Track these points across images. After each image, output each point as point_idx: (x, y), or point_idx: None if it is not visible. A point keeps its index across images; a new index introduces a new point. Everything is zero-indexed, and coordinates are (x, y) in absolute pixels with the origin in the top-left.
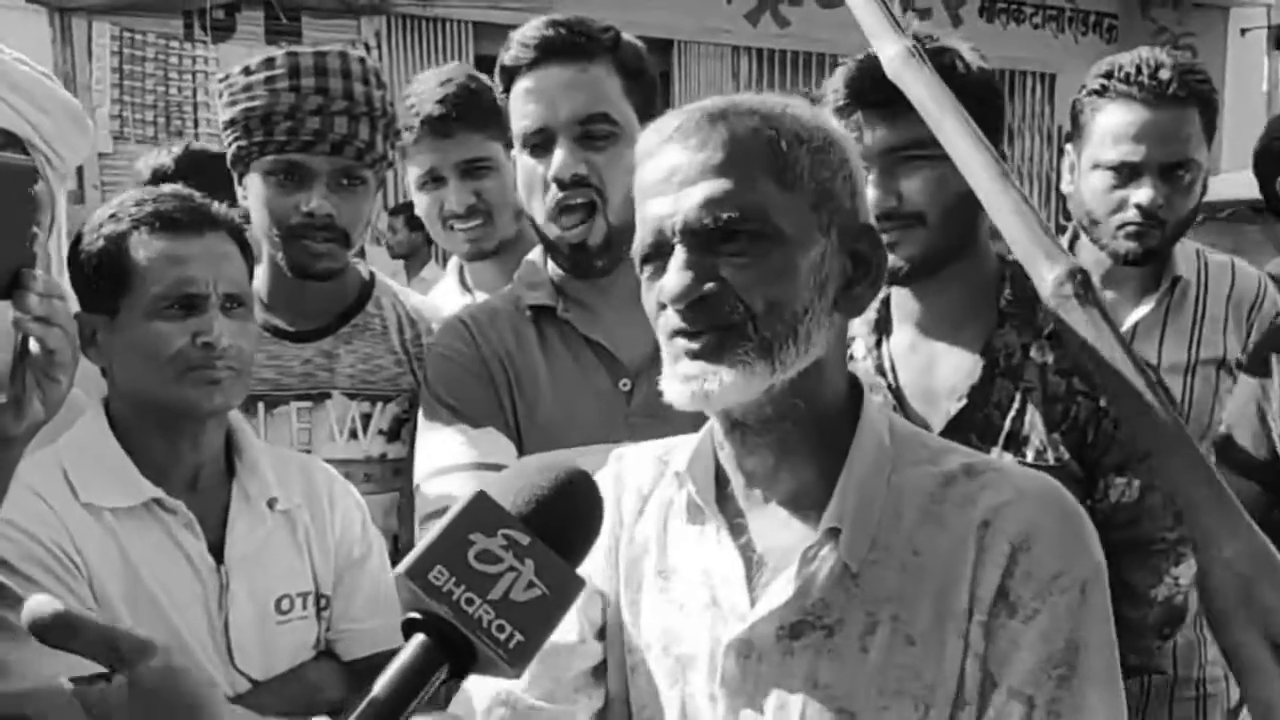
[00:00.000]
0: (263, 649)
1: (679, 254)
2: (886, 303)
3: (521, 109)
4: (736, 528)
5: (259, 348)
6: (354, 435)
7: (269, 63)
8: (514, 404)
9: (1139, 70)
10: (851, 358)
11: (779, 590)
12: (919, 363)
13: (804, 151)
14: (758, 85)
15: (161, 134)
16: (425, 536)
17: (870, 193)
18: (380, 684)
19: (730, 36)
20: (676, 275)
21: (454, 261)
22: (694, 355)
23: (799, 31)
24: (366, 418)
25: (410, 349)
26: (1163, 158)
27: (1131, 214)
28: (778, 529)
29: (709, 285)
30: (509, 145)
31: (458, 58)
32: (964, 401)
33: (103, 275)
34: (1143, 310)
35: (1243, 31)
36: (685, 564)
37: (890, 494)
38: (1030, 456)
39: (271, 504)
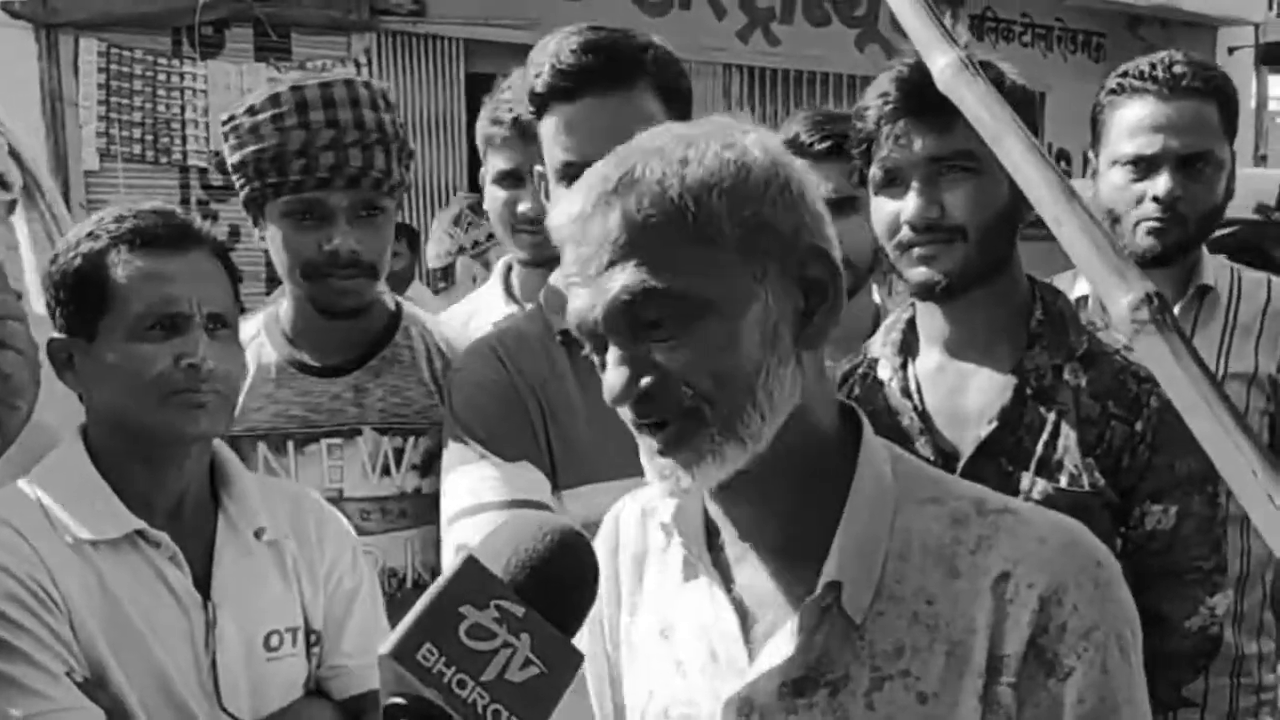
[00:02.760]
0: (252, 688)
1: (611, 350)
2: (911, 323)
3: (560, 140)
4: (730, 579)
5: (286, 384)
6: (386, 471)
7: (275, 100)
8: (548, 436)
9: (1154, 66)
10: (877, 380)
11: (779, 645)
12: (947, 385)
13: (714, 197)
14: (749, 103)
15: (149, 151)
16: (412, 610)
17: (911, 200)
18: None
19: (722, 55)
20: (613, 373)
21: (499, 268)
22: (662, 453)
23: (790, 50)
24: (399, 452)
25: (440, 380)
26: (1180, 149)
27: (1150, 208)
28: (771, 578)
29: (645, 380)
30: None
31: (449, 75)
32: (994, 424)
33: (80, 295)
34: None
35: (1230, 50)
36: (683, 621)
37: (895, 538)
38: (1064, 482)
39: (259, 534)
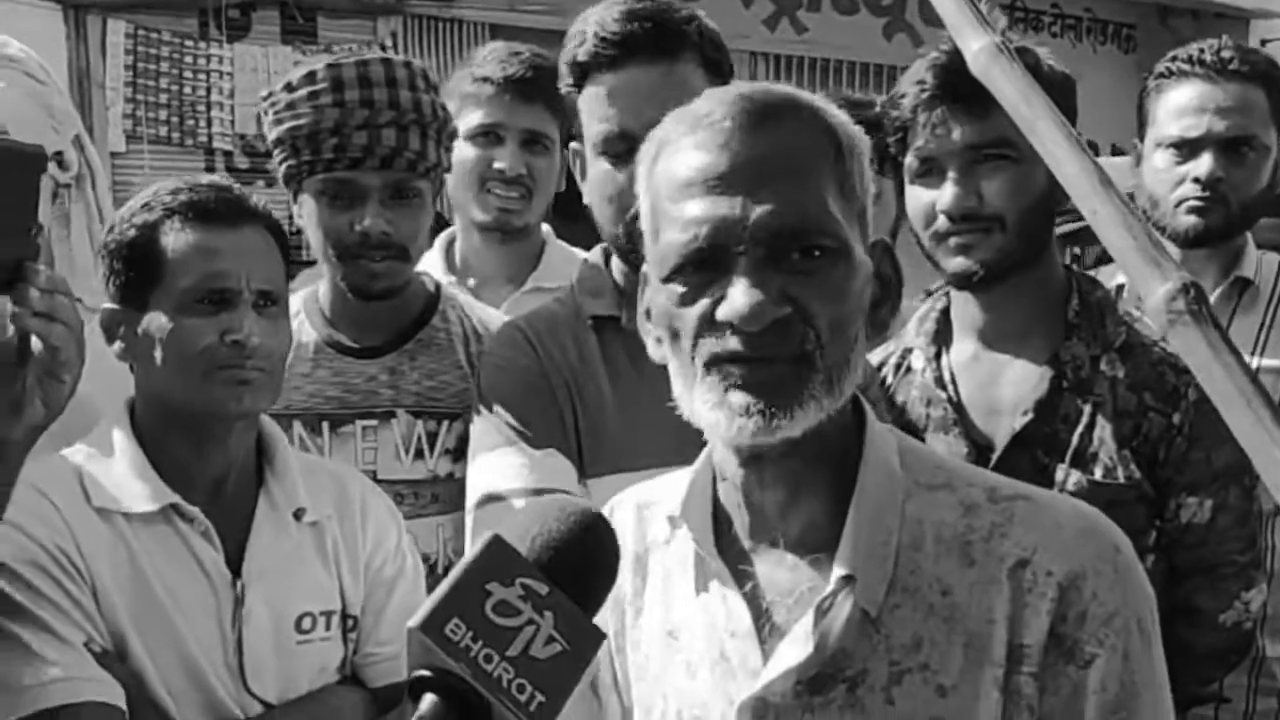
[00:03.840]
0: (279, 670)
1: (745, 269)
2: (945, 313)
3: (601, 111)
4: (741, 575)
5: (323, 364)
6: (419, 455)
7: (310, 77)
8: (577, 423)
9: (1202, 50)
10: (909, 370)
11: (794, 643)
12: (982, 375)
13: (856, 159)
14: None
15: (174, 133)
16: (440, 586)
17: (948, 190)
18: None
19: (748, 42)
20: (746, 294)
21: (442, 239)
22: (753, 387)
23: (817, 38)
24: (433, 436)
25: (477, 364)
26: (1224, 131)
27: (1191, 188)
28: (785, 573)
29: (782, 310)
30: (565, 136)
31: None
32: (1030, 416)
33: (131, 267)
34: None
35: (1263, 43)
36: (690, 619)
37: (906, 526)
38: (1099, 474)
39: (299, 515)
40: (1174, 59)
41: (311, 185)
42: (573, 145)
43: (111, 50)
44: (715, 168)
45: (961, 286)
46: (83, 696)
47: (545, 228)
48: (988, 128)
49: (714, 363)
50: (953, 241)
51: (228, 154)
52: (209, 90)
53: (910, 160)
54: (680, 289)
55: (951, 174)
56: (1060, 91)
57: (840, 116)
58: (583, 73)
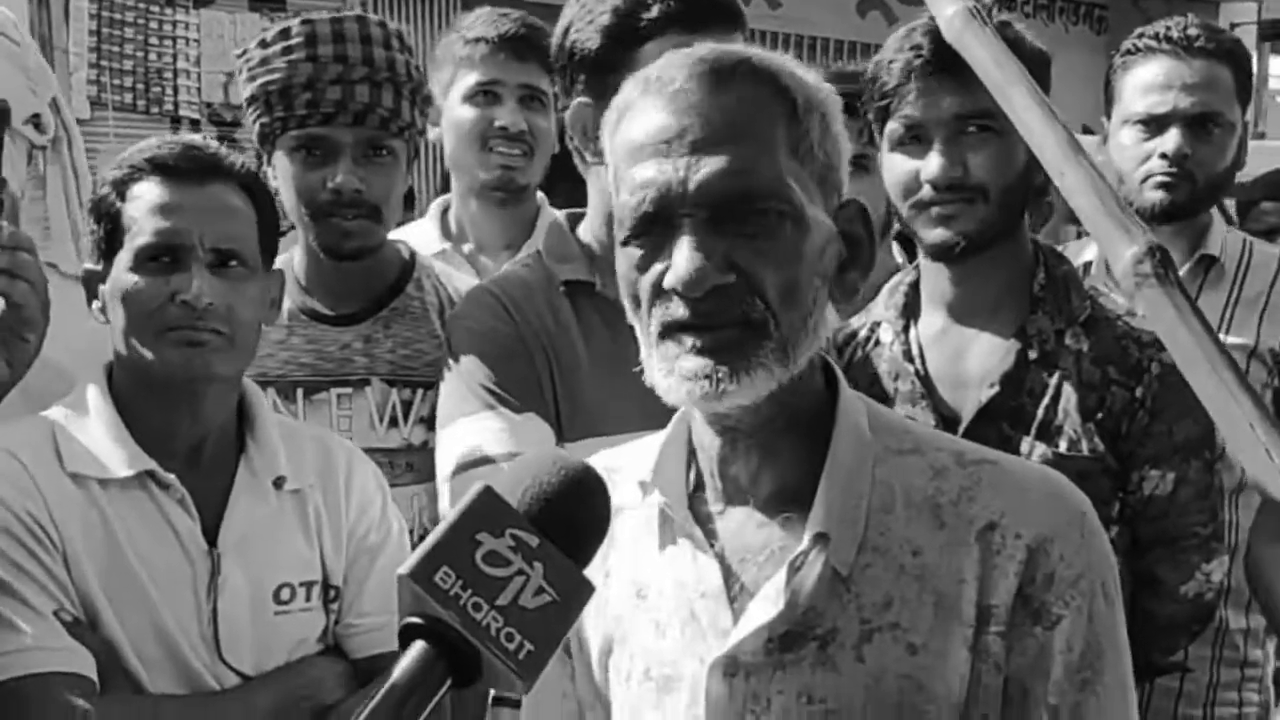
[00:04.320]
0: (256, 641)
1: (688, 232)
2: (915, 286)
3: None
4: (710, 534)
5: (297, 332)
6: (394, 423)
7: (284, 33)
8: (555, 387)
9: (1168, 28)
10: (878, 343)
11: (765, 601)
12: (949, 348)
13: (815, 119)
14: None
15: (140, 100)
16: (430, 535)
17: (934, 159)
18: (381, 696)
19: None
20: (688, 259)
21: (436, 205)
22: (701, 353)
23: (790, 14)
24: (407, 405)
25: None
26: (1189, 108)
27: (1157, 164)
28: (755, 532)
29: (723, 278)
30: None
31: (445, 27)
32: (996, 388)
33: (101, 224)
34: None
35: (1232, 26)
36: (658, 579)
37: (876, 489)
38: (1064, 446)
39: (279, 483)
40: (1140, 36)
41: (285, 142)
42: (581, 101)
43: (75, 15)
44: (663, 131)
45: (939, 258)
46: (51, 666)
47: (540, 195)
48: (976, 98)
49: (666, 331)
50: (935, 211)
51: (194, 122)
52: (175, 57)
53: (894, 127)
54: (637, 252)
55: (938, 143)
56: (1035, 65)
57: (801, 77)
58: (647, 30)
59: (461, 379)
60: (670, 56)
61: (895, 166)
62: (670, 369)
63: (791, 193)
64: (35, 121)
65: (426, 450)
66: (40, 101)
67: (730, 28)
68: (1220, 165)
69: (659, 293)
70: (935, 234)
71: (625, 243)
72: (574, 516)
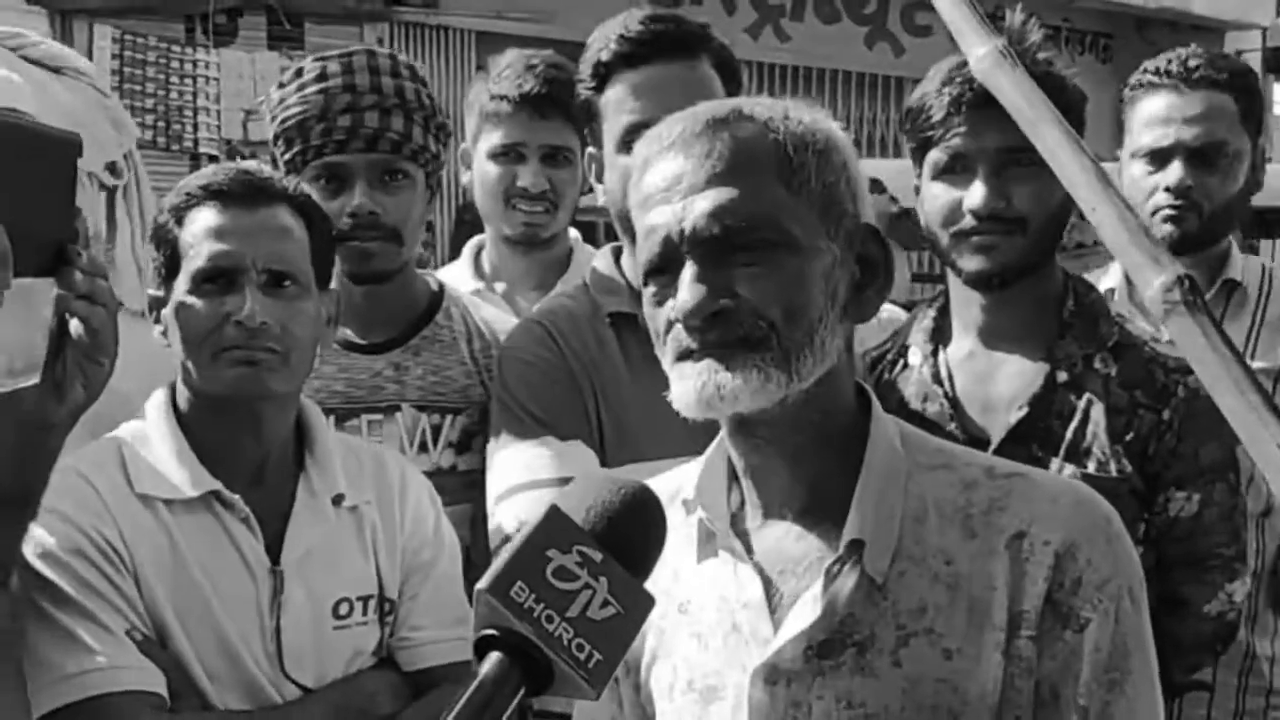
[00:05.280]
0: (317, 655)
1: (689, 267)
2: (944, 310)
3: (627, 104)
4: (749, 547)
5: (330, 360)
6: (423, 448)
7: (299, 73)
8: (599, 416)
9: (1170, 61)
10: (906, 365)
11: (804, 610)
12: (978, 372)
13: (809, 155)
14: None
15: (160, 138)
16: (502, 552)
17: (978, 189)
18: (463, 703)
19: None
20: (689, 289)
21: (470, 246)
22: (703, 360)
23: (800, 46)
24: (436, 430)
25: (480, 360)
26: (1191, 140)
27: (1162, 198)
28: (793, 544)
29: (724, 301)
30: (583, 143)
31: (461, 66)
32: (1025, 411)
33: (160, 250)
34: None
35: (1238, 54)
36: (699, 593)
37: (909, 502)
38: (1092, 468)
39: (337, 500)
40: (1144, 70)
41: (306, 174)
42: (589, 151)
43: (98, 55)
44: (665, 180)
45: (976, 286)
46: (124, 685)
47: (573, 233)
48: (1021, 134)
49: (678, 360)
50: (975, 240)
51: (213, 159)
52: (195, 95)
53: (938, 156)
54: (654, 291)
55: (982, 174)
56: (1073, 104)
57: (792, 117)
58: (606, 73)
59: (511, 407)
60: (676, 114)
61: (937, 195)
62: (678, 375)
63: (783, 222)
64: (111, 168)
65: (455, 474)
66: (120, 150)
67: (687, 55)
68: (1228, 193)
69: (670, 325)
70: (974, 263)
71: (645, 283)
72: (634, 534)
